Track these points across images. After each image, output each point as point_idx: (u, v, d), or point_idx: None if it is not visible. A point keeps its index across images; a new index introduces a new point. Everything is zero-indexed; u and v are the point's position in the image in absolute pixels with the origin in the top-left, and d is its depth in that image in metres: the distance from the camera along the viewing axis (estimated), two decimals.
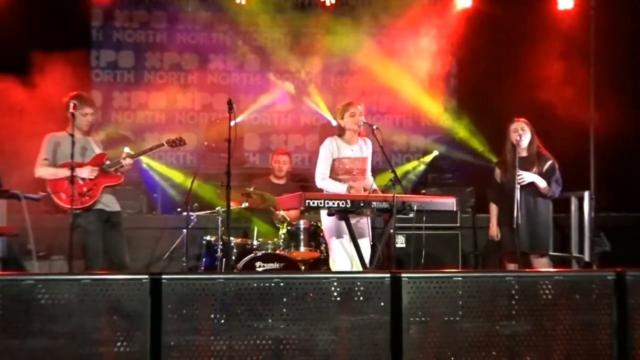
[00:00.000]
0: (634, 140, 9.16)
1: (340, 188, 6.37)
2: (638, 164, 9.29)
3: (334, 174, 6.51)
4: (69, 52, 8.59)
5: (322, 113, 10.90)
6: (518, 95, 9.52)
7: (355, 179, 6.51)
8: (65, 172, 6.44)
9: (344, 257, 6.38)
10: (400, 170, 10.81)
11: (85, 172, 6.58)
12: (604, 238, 8.13)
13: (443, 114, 10.91)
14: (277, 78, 10.97)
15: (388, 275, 4.49)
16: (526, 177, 6.87)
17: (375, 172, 6.87)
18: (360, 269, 6.18)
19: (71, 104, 6.56)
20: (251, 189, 7.88)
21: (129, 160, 6.83)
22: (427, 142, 11.18)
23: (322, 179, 6.50)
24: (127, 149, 10.07)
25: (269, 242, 7.57)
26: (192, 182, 7.67)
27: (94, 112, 6.92)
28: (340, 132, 6.63)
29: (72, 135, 6.40)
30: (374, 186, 6.57)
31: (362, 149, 6.62)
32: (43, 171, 6.58)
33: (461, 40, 10.06)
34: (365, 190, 6.48)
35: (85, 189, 6.55)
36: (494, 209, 7.30)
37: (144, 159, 10.16)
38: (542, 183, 6.94)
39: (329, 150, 6.53)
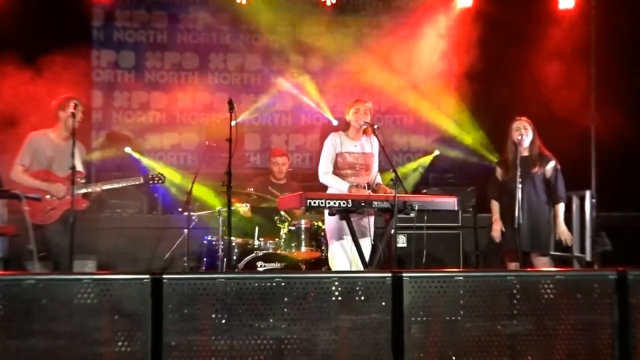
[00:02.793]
0: (635, 139, 9.15)
1: (342, 186, 6.37)
2: (639, 164, 9.28)
3: (336, 169, 6.51)
4: (70, 51, 8.59)
5: (323, 113, 10.90)
6: (518, 95, 9.52)
7: (358, 174, 6.51)
8: (39, 185, 6.54)
9: (343, 259, 6.37)
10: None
11: (54, 191, 6.59)
12: (605, 237, 8.11)
13: (444, 113, 10.90)
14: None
15: (389, 274, 4.49)
16: (565, 230, 7.13)
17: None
18: (361, 269, 6.18)
19: (72, 104, 6.58)
20: (251, 190, 7.88)
21: (99, 189, 6.82)
22: (428, 142, 11.17)
23: (325, 174, 6.50)
24: (127, 149, 10.13)
25: (270, 241, 7.57)
26: (193, 182, 7.67)
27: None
28: (345, 127, 6.64)
29: (73, 135, 6.40)
30: (378, 179, 6.57)
31: (366, 146, 6.61)
32: (19, 178, 6.62)
33: (462, 39, 10.04)
34: (369, 185, 6.47)
35: (48, 207, 6.56)
36: (495, 206, 7.28)
37: (144, 159, 10.18)
38: (563, 208, 7.14)
39: (332, 144, 6.53)
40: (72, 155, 6.31)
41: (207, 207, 8.54)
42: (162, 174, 7.24)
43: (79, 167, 6.78)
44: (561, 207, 7.09)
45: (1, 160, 7.31)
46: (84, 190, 6.75)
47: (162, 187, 9.72)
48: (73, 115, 6.56)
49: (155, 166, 10.21)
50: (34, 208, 6.42)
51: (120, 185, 7.02)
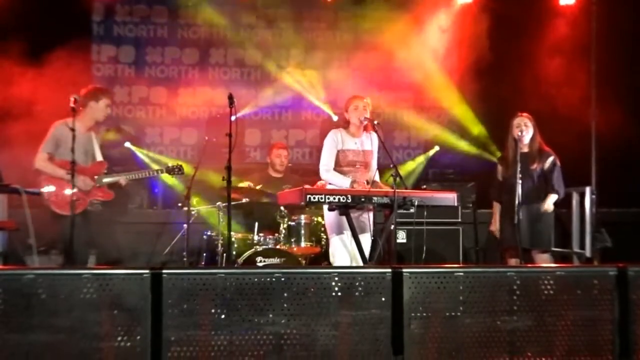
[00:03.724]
0: (635, 136, 9.15)
1: (344, 182, 6.37)
2: (639, 160, 9.27)
3: (337, 166, 6.52)
4: (70, 46, 8.58)
5: (323, 108, 10.88)
6: (519, 91, 9.51)
7: (358, 171, 6.52)
8: (63, 175, 6.52)
9: (344, 254, 6.39)
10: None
11: (81, 183, 6.61)
12: (605, 234, 8.10)
13: (444, 109, 10.89)
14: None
15: (389, 270, 4.49)
16: (549, 207, 6.97)
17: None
18: (361, 265, 6.18)
19: (72, 99, 6.53)
20: (251, 185, 7.87)
21: (124, 182, 6.91)
22: (428, 138, 11.16)
23: (326, 171, 6.50)
24: (127, 144, 10.12)
25: (270, 237, 7.57)
26: (193, 177, 7.66)
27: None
28: (344, 124, 6.63)
29: (72, 130, 6.37)
30: (376, 177, 6.57)
31: (366, 143, 6.61)
32: (43, 166, 6.63)
33: (462, 35, 10.03)
34: (367, 182, 6.47)
35: (74, 197, 6.54)
36: (496, 206, 7.31)
37: (143, 154, 10.17)
38: (553, 199, 7.04)
39: (333, 141, 6.53)
40: (72, 150, 6.29)
41: (210, 198, 8.53)
42: (181, 165, 7.35)
43: (100, 157, 6.85)
44: (552, 197, 7.03)
45: (1, 153, 7.30)
46: (107, 180, 6.82)
47: (162, 182, 9.76)
48: (73, 110, 6.53)
49: (155, 161, 10.21)
50: (57, 198, 6.40)
51: (143, 176, 7.18)
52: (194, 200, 8.10)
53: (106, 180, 6.83)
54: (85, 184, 6.66)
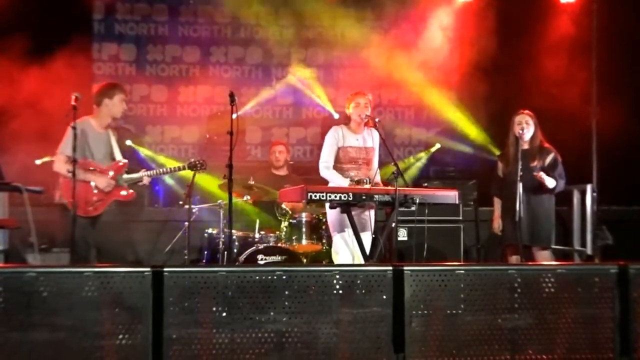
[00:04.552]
0: (637, 133, 9.14)
1: (341, 182, 6.36)
2: None
3: (338, 163, 6.50)
4: (71, 44, 8.58)
5: (324, 106, 10.88)
6: (520, 88, 9.50)
7: (360, 168, 6.51)
8: (83, 176, 6.32)
9: (346, 251, 6.38)
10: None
11: (102, 183, 6.47)
12: (606, 231, 8.11)
13: (445, 107, 10.88)
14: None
15: (390, 268, 4.49)
16: (545, 179, 6.86)
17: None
18: (362, 262, 6.18)
19: (73, 97, 6.40)
20: (252, 182, 7.87)
21: (147, 179, 6.76)
22: (429, 135, 11.16)
23: (326, 168, 6.49)
24: (128, 142, 10.11)
25: (271, 235, 7.57)
26: (194, 175, 7.66)
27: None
28: (346, 120, 6.63)
29: (74, 128, 6.28)
30: (377, 178, 6.55)
31: (367, 140, 6.60)
32: (61, 168, 6.40)
33: (464, 33, 10.03)
34: (369, 180, 6.46)
35: (95, 198, 6.46)
36: (497, 202, 7.30)
37: (144, 152, 10.17)
38: (551, 183, 6.92)
39: (334, 138, 6.52)
40: (74, 149, 6.20)
41: (211, 196, 8.52)
42: (204, 160, 7.12)
43: (119, 156, 6.71)
44: (551, 179, 6.94)
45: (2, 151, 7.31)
46: (128, 177, 6.65)
47: (163, 180, 9.75)
48: (74, 107, 6.46)
49: (156, 158, 10.22)
50: (77, 199, 6.19)
51: (165, 173, 7.05)
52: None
53: (127, 177, 6.64)
54: (106, 184, 6.50)
